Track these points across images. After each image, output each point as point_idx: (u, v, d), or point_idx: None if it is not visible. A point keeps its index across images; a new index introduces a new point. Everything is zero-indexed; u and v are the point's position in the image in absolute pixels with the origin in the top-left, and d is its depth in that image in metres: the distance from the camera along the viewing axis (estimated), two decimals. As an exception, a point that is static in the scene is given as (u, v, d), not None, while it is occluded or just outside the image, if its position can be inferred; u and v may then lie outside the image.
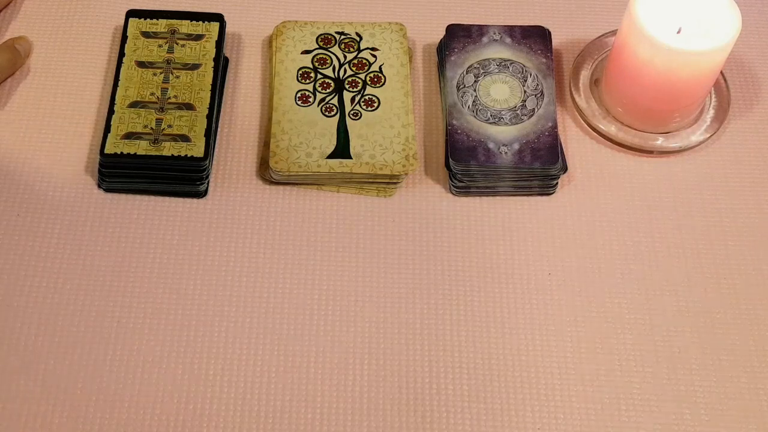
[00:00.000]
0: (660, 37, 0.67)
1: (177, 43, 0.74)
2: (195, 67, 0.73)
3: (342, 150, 0.71)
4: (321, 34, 0.77)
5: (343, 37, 0.77)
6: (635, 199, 0.72)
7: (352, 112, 0.73)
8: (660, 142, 0.74)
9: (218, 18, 0.76)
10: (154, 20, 0.76)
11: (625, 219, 0.71)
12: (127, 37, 0.75)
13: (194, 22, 0.75)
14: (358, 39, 0.76)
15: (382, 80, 0.74)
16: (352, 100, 0.73)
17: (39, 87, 0.75)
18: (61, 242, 0.68)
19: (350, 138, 0.71)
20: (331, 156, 0.70)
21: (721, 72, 0.76)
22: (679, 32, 0.69)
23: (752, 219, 0.71)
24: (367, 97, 0.73)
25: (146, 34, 0.75)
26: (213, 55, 0.74)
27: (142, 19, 0.75)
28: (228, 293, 0.66)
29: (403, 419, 0.62)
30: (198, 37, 0.75)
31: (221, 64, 0.74)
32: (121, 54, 0.74)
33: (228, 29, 0.77)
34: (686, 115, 0.74)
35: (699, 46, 0.68)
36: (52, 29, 0.78)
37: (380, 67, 0.75)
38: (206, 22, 0.76)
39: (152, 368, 0.63)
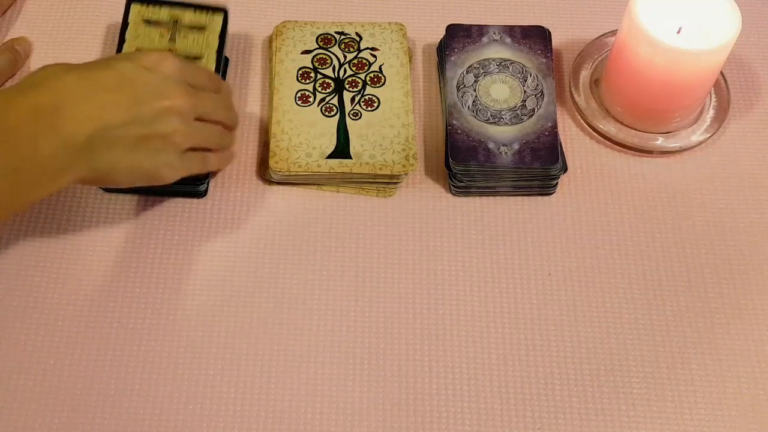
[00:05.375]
0: (660, 37, 0.67)
1: (179, 33, 0.73)
2: (196, 59, 0.72)
3: (342, 150, 0.71)
4: (321, 34, 0.77)
5: (343, 37, 0.77)
6: (635, 199, 0.72)
7: (352, 112, 0.73)
8: (660, 142, 0.74)
9: (221, 10, 0.74)
10: (157, 8, 0.74)
11: (625, 219, 0.71)
12: (128, 23, 0.73)
13: (197, 12, 0.74)
14: (358, 39, 0.76)
15: (382, 80, 0.74)
16: (352, 100, 0.73)
17: (39, 87, 0.75)
18: (61, 242, 0.68)
19: (350, 138, 0.71)
20: (331, 156, 0.70)
21: (721, 72, 0.76)
22: (679, 32, 0.69)
23: (752, 219, 0.71)
24: (367, 97, 0.73)
25: (148, 22, 0.73)
26: (216, 47, 0.73)
27: (144, 6, 0.74)
28: (228, 293, 0.66)
29: (403, 419, 0.62)
30: (201, 29, 0.74)
31: (223, 57, 0.74)
32: (121, 41, 0.72)
33: (228, 29, 0.77)
34: (686, 115, 0.74)
35: (699, 46, 0.68)
36: (52, 29, 0.78)
37: (380, 67, 0.75)
38: (209, 13, 0.74)
39: (152, 368, 0.63)
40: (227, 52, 0.77)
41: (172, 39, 0.73)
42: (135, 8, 0.74)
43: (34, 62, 0.76)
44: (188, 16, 0.74)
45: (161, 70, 0.61)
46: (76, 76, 0.58)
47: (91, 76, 0.59)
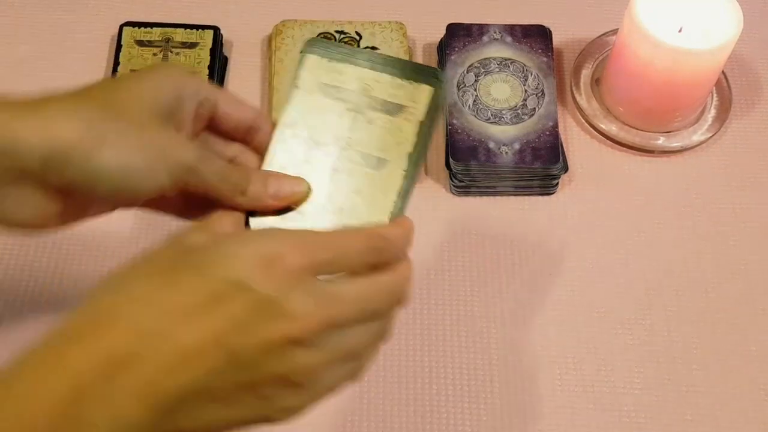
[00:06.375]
0: (661, 36, 0.67)
1: (171, 52, 0.74)
2: None
3: (342, 149, 0.70)
4: (321, 33, 0.76)
5: (343, 36, 0.76)
6: (636, 198, 0.72)
7: (352, 112, 0.72)
8: (661, 141, 0.74)
9: (212, 28, 0.76)
10: (149, 29, 0.76)
11: (625, 219, 0.71)
12: (121, 45, 0.75)
13: (188, 30, 0.76)
14: (358, 38, 0.76)
15: (383, 79, 0.74)
16: (353, 99, 0.73)
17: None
18: (58, 243, 0.68)
19: (350, 137, 0.71)
20: (331, 155, 0.70)
21: (723, 71, 0.76)
22: (680, 31, 0.69)
23: (753, 218, 0.71)
24: (367, 97, 0.73)
25: (140, 43, 0.75)
26: (207, 63, 0.74)
27: (137, 28, 0.76)
28: (228, 293, 0.66)
29: (403, 419, 0.62)
30: (192, 45, 0.75)
31: (217, 72, 0.74)
32: (116, 63, 0.74)
33: (227, 28, 0.77)
34: (687, 115, 0.74)
35: (700, 45, 0.68)
36: (51, 28, 0.78)
37: (380, 67, 0.75)
38: (200, 30, 0.76)
39: (152, 368, 0.63)
40: (227, 52, 0.77)
41: (165, 58, 0.74)
42: (127, 31, 0.76)
43: (33, 64, 0.76)
44: (179, 35, 0.75)
45: (276, 273, 0.39)
46: (147, 300, 0.39)
47: (166, 297, 0.39)
